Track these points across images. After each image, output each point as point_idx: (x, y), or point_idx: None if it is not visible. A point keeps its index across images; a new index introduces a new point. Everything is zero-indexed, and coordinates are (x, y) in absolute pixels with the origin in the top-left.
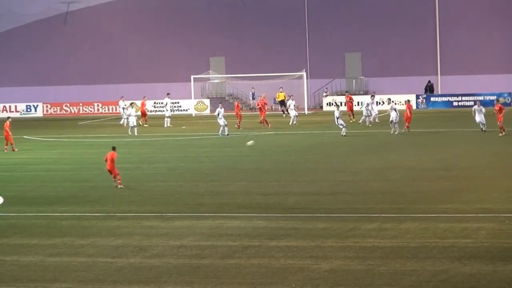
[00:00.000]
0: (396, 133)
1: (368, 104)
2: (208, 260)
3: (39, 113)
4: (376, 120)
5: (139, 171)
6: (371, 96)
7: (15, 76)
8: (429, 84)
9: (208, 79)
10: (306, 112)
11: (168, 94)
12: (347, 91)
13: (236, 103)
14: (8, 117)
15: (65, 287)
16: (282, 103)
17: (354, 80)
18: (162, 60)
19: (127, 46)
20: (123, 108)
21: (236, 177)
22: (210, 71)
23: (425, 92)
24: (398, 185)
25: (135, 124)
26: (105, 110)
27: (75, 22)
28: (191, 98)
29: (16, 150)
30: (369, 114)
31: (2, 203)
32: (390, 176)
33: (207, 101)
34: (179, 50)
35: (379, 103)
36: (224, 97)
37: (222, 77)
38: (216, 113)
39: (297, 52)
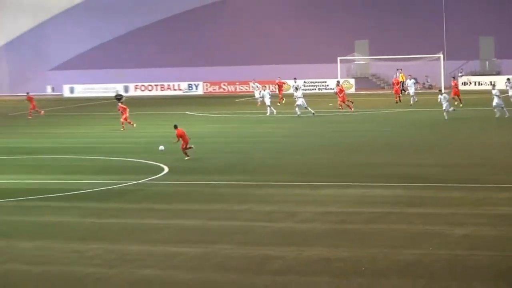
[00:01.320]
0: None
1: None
2: (352, 225)
3: (199, 91)
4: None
5: (288, 144)
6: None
7: (179, 57)
8: None
9: (353, 60)
10: (443, 90)
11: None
12: (453, 77)
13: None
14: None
15: (224, 248)
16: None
17: (487, 62)
18: (311, 42)
19: (280, 29)
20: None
21: (377, 150)
22: (355, 53)
23: None
24: None
25: (269, 103)
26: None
27: (234, 8)
28: (337, 78)
29: (125, 127)
30: None
31: (167, 172)
32: None
33: (352, 80)
34: (327, 33)
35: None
36: (368, 77)
37: (366, 58)
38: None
39: (435, 35)
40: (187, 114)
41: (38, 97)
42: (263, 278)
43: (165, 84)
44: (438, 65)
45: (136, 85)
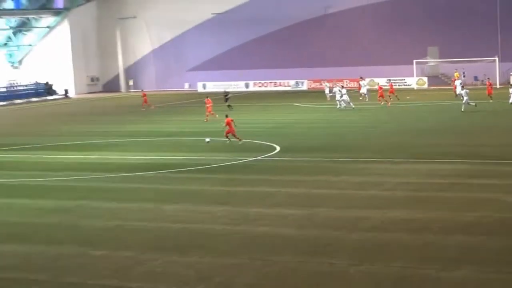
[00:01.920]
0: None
1: None
2: (425, 193)
3: (304, 87)
4: None
5: (372, 129)
6: None
7: (289, 60)
8: None
9: (426, 62)
10: (498, 86)
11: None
12: (488, 78)
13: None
14: (206, 96)
15: (324, 210)
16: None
17: None
18: (392, 48)
19: (367, 37)
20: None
21: (442, 133)
22: (428, 56)
23: None
24: None
25: (339, 98)
26: (351, 85)
27: (331, 21)
28: (413, 76)
29: (214, 117)
30: None
31: (279, 151)
32: None
33: (425, 79)
34: (406, 41)
35: None
36: (437, 76)
37: (436, 61)
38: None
39: (491, 41)
40: (294, 105)
41: (177, 92)
42: (354, 234)
43: (277, 81)
44: (494, 66)
45: (255, 82)
